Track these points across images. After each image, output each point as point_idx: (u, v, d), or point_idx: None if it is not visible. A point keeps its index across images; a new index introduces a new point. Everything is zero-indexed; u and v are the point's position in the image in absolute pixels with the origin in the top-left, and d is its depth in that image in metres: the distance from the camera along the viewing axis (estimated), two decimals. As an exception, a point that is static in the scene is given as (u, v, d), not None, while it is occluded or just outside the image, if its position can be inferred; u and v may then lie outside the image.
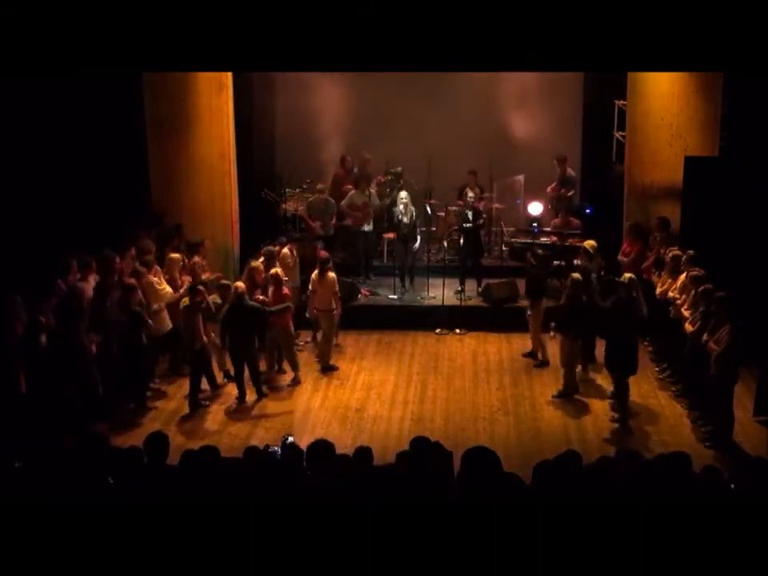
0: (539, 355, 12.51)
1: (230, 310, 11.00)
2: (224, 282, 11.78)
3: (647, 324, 12.11)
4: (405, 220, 14.25)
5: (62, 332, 9.88)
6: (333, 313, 12.32)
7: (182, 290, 11.64)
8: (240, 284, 11.23)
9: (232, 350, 11.23)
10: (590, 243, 12.44)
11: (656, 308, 11.72)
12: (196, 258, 12.27)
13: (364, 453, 6.58)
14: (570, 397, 11.30)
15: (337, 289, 12.34)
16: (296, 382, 11.87)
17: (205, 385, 11.46)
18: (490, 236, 16.02)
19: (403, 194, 14.50)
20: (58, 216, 12.34)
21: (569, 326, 11.15)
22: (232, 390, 11.52)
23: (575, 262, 12.41)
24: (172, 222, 13.11)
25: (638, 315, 10.79)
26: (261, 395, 11.37)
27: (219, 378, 11.80)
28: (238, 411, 11.14)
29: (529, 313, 12.50)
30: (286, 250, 12.89)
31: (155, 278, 11.49)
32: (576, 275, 11.22)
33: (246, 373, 11.35)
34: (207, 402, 11.27)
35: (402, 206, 14.30)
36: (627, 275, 11.03)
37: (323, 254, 12.77)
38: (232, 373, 11.51)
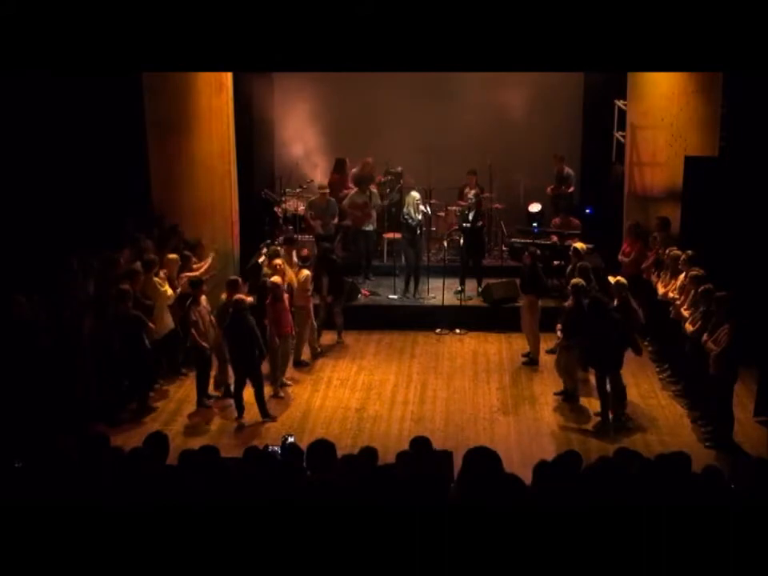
0: (531, 353, 12.53)
1: (231, 323, 10.65)
2: (233, 277, 11.61)
3: (647, 324, 12.16)
4: (419, 218, 14.10)
5: (63, 331, 9.90)
6: (306, 310, 12.28)
7: (179, 290, 11.61)
8: (244, 297, 10.88)
9: (234, 363, 10.96)
10: (579, 245, 12.49)
11: (656, 308, 11.73)
12: (194, 262, 12.27)
13: (369, 453, 6.57)
14: (574, 399, 11.26)
15: (309, 287, 12.26)
16: (275, 395, 11.61)
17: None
18: (490, 236, 16.02)
19: (415, 194, 14.28)
20: (58, 216, 12.33)
21: (573, 332, 11.09)
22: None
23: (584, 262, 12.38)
24: (170, 223, 13.11)
25: (614, 316, 10.80)
26: (265, 417, 10.91)
27: (211, 388, 11.51)
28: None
29: (519, 303, 12.56)
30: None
31: (158, 279, 11.46)
32: (577, 280, 11.15)
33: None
34: (211, 403, 11.22)
35: (412, 207, 14.06)
36: (613, 279, 11.12)
37: (304, 252, 12.71)
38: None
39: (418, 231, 14.16)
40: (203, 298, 11.06)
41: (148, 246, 12.12)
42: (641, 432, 10.52)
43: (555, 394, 11.44)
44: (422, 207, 14.19)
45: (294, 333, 11.88)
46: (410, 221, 14.06)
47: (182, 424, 10.82)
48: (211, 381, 11.45)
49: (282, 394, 11.55)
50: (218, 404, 11.33)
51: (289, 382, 11.84)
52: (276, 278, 11.51)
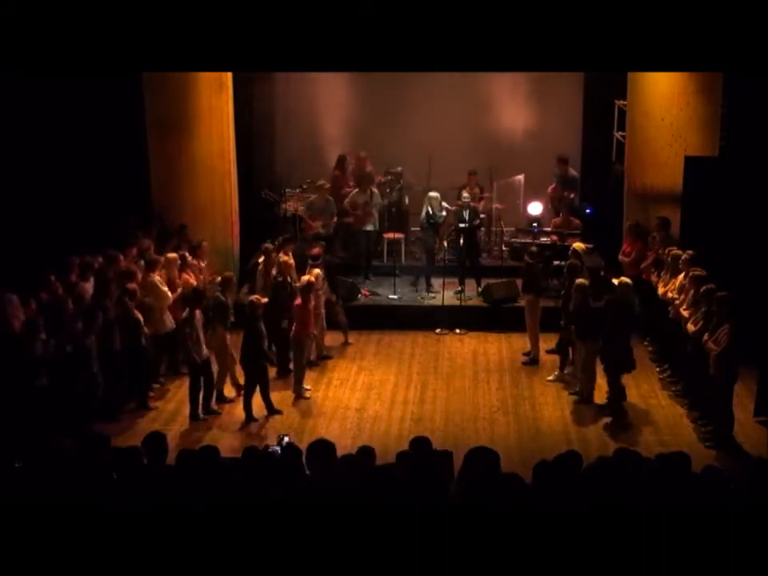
0: (531, 352, 12.53)
1: (247, 324, 10.70)
2: (227, 274, 11.62)
3: (647, 324, 12.15)
4: (443, 214, 14.18)
5: (62, 331, 9.89)
6: (318, 309, 12.21)
7: (179, 291, 11.58)
8: (259, 298, 10.86)
9: (243, 364, 10.89)
10: (579, 245, 12.46)
11: (656, 308, 11.72)
12: (194, 261, 12.23)
13: (367, 452, 6.57)
14: (588, 401, 11.18)
15: (321, 286, 12.18)
16: (298, 396, 11.53)
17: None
18: (489, 236, 16.02)
19: (435, 194, 14.35)
20: (58, 216, 12.34)
21: (583, 332, 11.04)
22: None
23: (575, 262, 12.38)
24: (174, 222, 13.11)
25: (630, 315, 10.78)
26: (272, 412, 10.94)
27: (228, 391, 11.39)
28: (238, 413, 11.08)
29: (521, 303, 12.63)
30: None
31: (159, 278, 11.44)
32: (581, 281, 11.12)
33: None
34: (204, 416, 10.97)
35: (435, 207, 14.14)
36: (617, 280, 11.16)
37: (315, 251, 12.69)
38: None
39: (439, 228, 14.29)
40: (198, 311, 10.86)
41: (147, 245, 12.10)
42: (641, 432, 10.51)
43: (570, 394, 11.40)
44: (444, 204, 14.25)
45: (315, 333, 11.83)
46: (432, 220, 14.18)
47: (182, 424, 10.80)
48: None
49: (307, 396, 11.51)
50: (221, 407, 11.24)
51: (308, 387, 11.69)
52: (307, 278, 11.54)
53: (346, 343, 13.17)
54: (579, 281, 11.11)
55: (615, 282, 11.33)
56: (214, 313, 11.11)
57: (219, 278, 11.66)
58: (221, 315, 11.08)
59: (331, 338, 13.09)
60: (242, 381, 11.19)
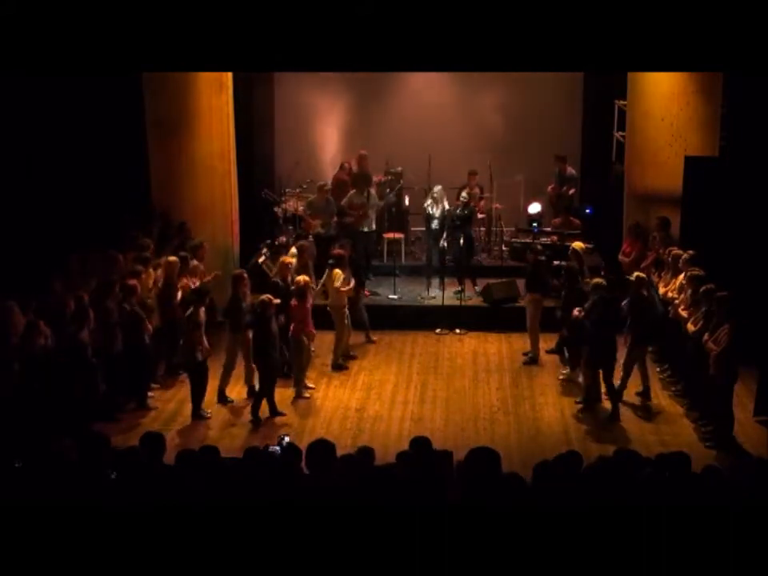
0: (531, 352, 12.52)
1: (258, 324, 10.69)
2: (238, 271, 11.65)
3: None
4: (436, 213, 14.12)
5: (62, 332, 9.89)
6: (341, 310, 12.25)
7: (180, 295, 11.56)
8: (271, 298, 10.80)
9: (257, 363, 10.91)
10: (579, 245, 12.42)
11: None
12: (195, 261, 12.22)
13: (366, 452, 6.57)
14: (594, 403, 11.08)
15: (338, 285, 12.10)
16: (298, 396, 11.53)
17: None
18: (489, 236, 16.02)
19: (436, 187, 14.34)
20: (58, 216, 12.34)
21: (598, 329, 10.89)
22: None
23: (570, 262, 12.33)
24: (174, 221, 13.11)
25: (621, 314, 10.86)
26: (275, 413, 10.93)
27: (230, 391, 11.41)
28: (238, 412, 11.10)
29: (522, 303, 12.69)
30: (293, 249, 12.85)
31: (145, 276, 11.46)
32: (598, 280, 11.01)
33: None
34: (209, 414, 11.00)
35: (431, 200, 14.13)
36: (636, 274, 11.22)
37: (338, 252, 12.56)
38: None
39: (435, 224, 14.16)
40: (202, 309, 10.83)
41: (147, 244, 12.09)
42: (641, 432, 10.52)
43: (577, 402, 11.24)
44: (441, 201, 14.20)
45: (314, 332, 11.75)
46: (429, 213, 14.13)
47: (182, 424, 10.79)
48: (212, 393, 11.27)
49: (307, 395, 11.50)
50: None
51: (311, 386, 11.69)
52: (304, 277, 11.50)
53: (368, 341, 13.26)
54: (596, 280, 11.06)
55: (631, 277, 11.33)
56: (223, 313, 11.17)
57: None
58: (231, 316, 11.17)
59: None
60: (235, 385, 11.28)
